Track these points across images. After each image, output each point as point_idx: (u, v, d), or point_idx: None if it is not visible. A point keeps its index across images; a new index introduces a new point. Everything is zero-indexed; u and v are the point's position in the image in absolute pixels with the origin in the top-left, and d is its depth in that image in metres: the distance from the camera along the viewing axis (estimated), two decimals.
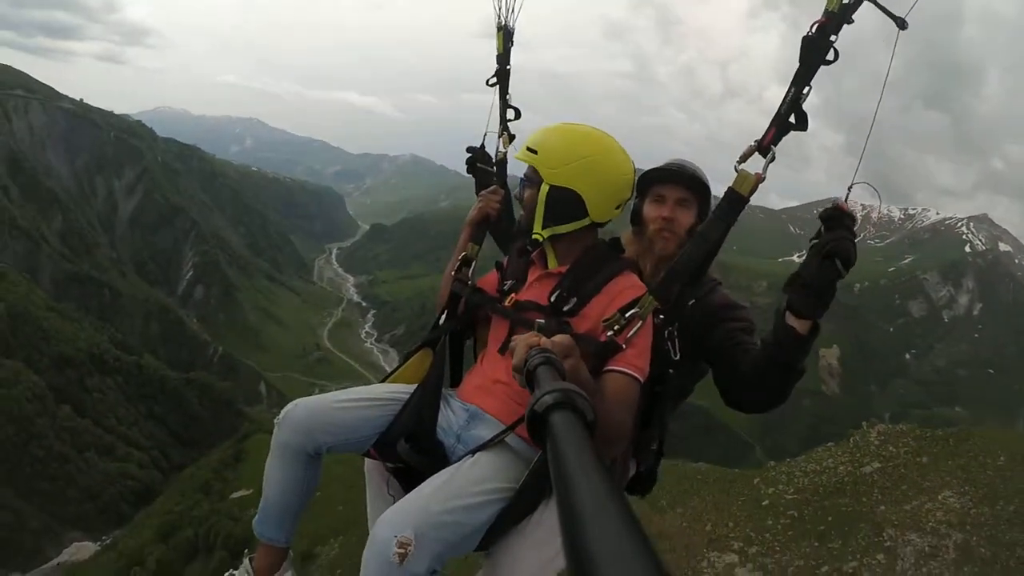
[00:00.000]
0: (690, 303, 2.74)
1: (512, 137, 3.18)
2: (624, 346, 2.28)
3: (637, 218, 2.98)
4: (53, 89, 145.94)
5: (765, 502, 11.30)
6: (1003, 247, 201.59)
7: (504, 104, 3.21)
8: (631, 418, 2.27)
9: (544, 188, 2.48)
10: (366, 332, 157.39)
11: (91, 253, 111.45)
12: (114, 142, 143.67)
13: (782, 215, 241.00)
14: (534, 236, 2.56)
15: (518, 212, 2.97)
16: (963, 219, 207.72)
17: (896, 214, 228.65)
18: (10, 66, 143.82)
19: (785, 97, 2.34)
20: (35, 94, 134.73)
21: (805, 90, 2.30)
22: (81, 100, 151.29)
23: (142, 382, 78.31)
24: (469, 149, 3.26)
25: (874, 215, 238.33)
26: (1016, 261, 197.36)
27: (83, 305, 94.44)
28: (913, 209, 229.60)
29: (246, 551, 2.68)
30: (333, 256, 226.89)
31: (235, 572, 2.61)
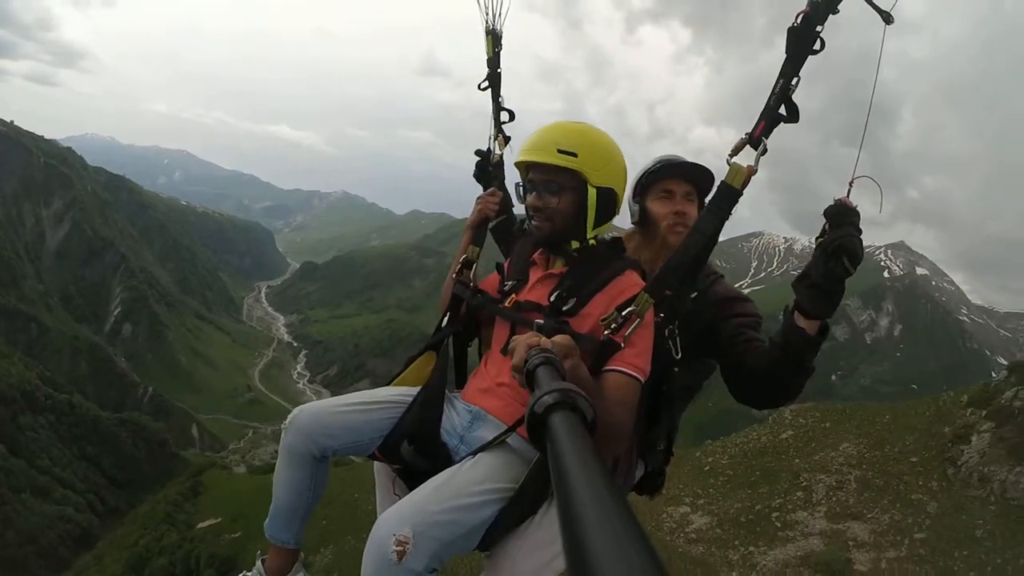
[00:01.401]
0: (691, 296, 2.73)
1: (507, 139, 3.22)
2: (623, 344, 2.28)
3: (644, 218, 2.99)
4: None
5: (706, 467, 14.88)
6: (920, 271, 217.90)
7: (497, 107, 3.26)
8: (631, 418, 2.27)
9: (592, 191, 2.51)
10: (298, 372, 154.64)
11: (18, 284, 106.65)
12: (44, 168, 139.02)
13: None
14: (591, 241, 2.60)
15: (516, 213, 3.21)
16: (881, 247, 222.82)
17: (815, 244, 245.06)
18: None
19: (773, 89, 2.34)
20: None
21: (794, 81, 2.31)
22: (12, 122, 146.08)
23: (74, 421, 75.35)
24: (477, 152, 3.25)
25: (797, 247, 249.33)
26: (933, 283, 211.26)
27: (10, 339, 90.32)
28: None
29: (259, 553, 2.78)
30: (263, 294, 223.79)
31: (248, 574, 2.69)
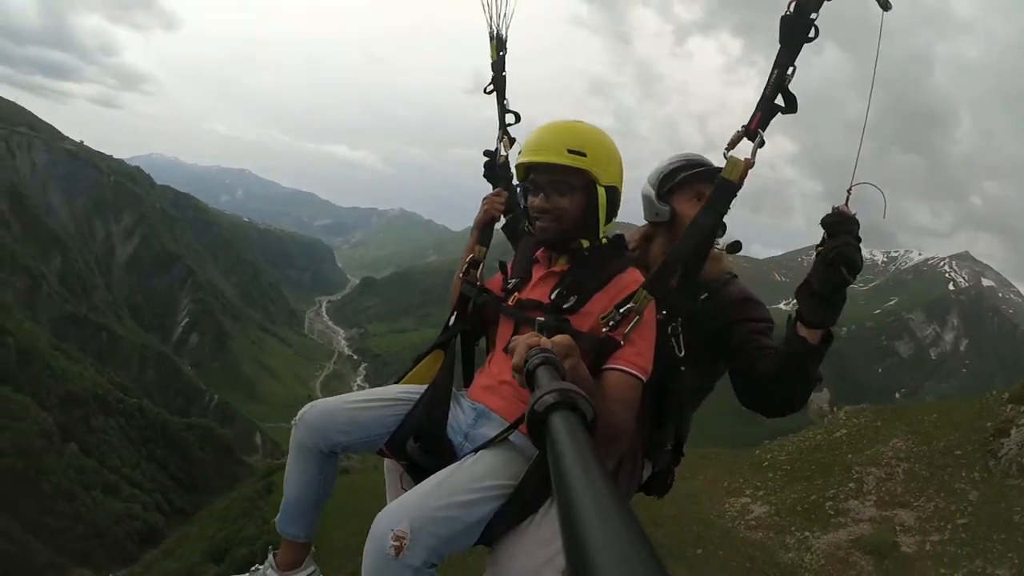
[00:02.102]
0: (703, 297, 2.76)
1: (512, 140, 3.23)
2: (622, 342, 2.27)
3: (674, 219, 2.92)
4: (56, 129, 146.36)
5: (765, 463, 15.53)
6: (986, 282, 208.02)
7: (502, 109, 3.27)
8: (632, 417, 2.25)
9: (602, 191, 2.50)
10: (358, 385, 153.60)
11: (89, 295, 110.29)
12: (113, 186, 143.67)
13: (769, 263, 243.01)
14: (602, 240, 2.58)
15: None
16: (945, 258, 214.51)
17: (879, 257, 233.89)
18: (15, 103, 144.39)
19: (769, 79, 2.31)
20: (39, 133, 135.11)
21: (789, 71, 2.28)
22: (81, 142, 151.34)
23: (144, 425, 76.74)
24: (486, 153, 3.26)
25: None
26: (999, 295, 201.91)
27: (83, 347, 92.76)
28: (895, 251, 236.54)
29: (270, 547, 2.80)
30: (324, 308, 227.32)
31: (260, 567, 2.73)
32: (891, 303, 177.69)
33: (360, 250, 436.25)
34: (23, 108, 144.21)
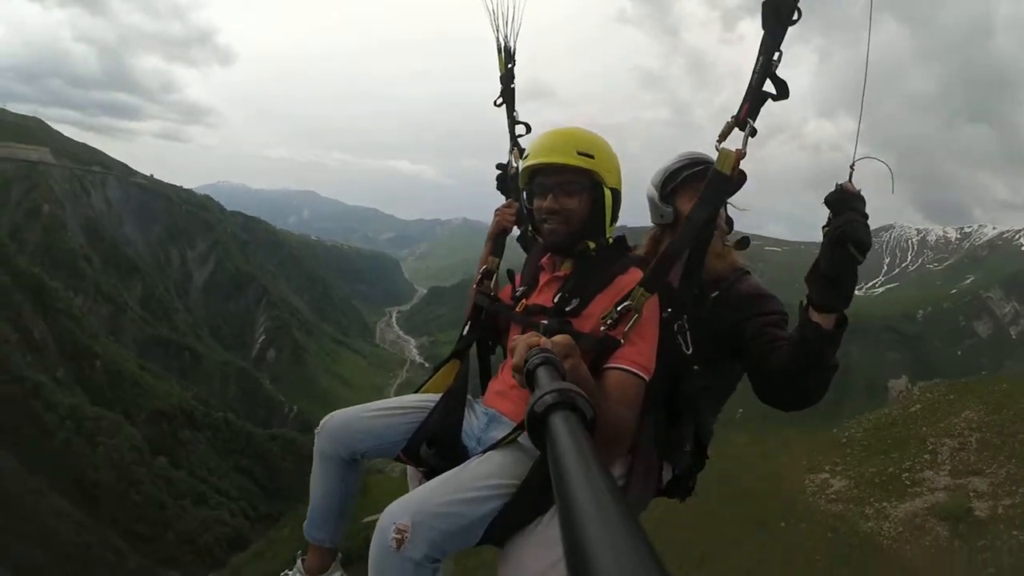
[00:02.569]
0: (713, 295, 2.71)
1: (523, 151, 3.12)
2: (622, 340, 2.25)
3: (673, 217, 2.90)
4: (126, 165, 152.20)
5: (843, 440, 16.75)
6: None
7: (512, 120, 3.31)
8: (633, 416, 2.22)
9: (608, 192, 2.54)
10: None
11: (170, 318, 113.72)
12: (185, 215, 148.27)
13: None
14: (609, 240, 2.61)
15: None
16: (1021, 230, 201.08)
17: (952, 234, 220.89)
18: (86, 144, 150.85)
19: (755, 67, 2.25)
20: (110, 170, 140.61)
21: (775, 56, 2.20)
22: (151, 176, 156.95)
23: (229, 437, 78.97)
24: (498, 166, 3.32)
25: (930, 238, 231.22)
26: None
27: (166, 367, 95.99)
28: (969, 227, 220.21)
29: (299, 553, 2.81)
30: (394, 319, 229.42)
31: (289, 572, 2.72)
32: (967, 282, 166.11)
33: (426, 260, 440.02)
34: (94, 148, 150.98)
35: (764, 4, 2.19)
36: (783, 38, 2.19)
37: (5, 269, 67.30)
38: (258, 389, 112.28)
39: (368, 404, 2.71)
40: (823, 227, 2.22)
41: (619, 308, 2.29)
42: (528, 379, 1.47)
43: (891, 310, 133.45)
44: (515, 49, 3.37)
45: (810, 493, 14.11)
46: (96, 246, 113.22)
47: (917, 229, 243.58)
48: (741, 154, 2.32)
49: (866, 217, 2.16)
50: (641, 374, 2.25)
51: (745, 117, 2.30)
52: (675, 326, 2.46)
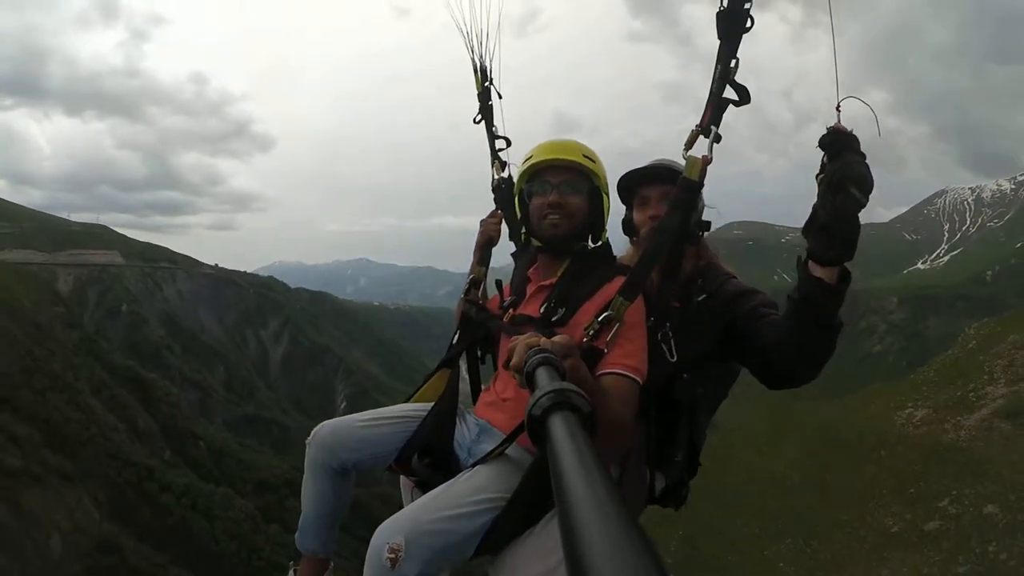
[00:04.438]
0: (701, 299, 2.69)
1: (504, 164, 3.38)
2: (605, 350, 2.27)
3: (630, 228, 2.99)
4: (192, 258, 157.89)
5: (919, 381, 20.11)
6: None
7: (491, 136, 3.42)
8: (632, 416, 2.22)
9: (606, 197, 2.65)
10: None
11: (253, 396, 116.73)
12: (255, 297, 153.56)
13: (895, 224, 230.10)
14: (603, 237, 2.70)
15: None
16: None
17: (1007, 186, 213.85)
18: (151, 243, 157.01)
19: (714, 76, 2.30)
20: (177, 264, 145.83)
21: (732, 63, 2.25)
22: (216, 265, 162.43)
23: None
24: (494, 180, 3.39)
25: (985, 194, 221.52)
26: None
27: (259, 441, 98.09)
28: (1022, 174, 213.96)
29: (291, 563, 2.94)
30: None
31: None
32: None
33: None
34: (158, 245, 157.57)
35: (718, 15, 2.24)
36: (739, 46, 2.25)
37: (102, 365, 70.18)
38: None
39: (360, 414, 2.78)
40: (816, 175, 2.15)
41: (600, 319, 2.30)
42: (528, 380, 1.49)
43: (959, 277, 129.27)
44: (491, 68, 3.47)
45: (899, 425, 17.27)
46: (176, 336, 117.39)
47: (970, 188, 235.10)
48: (708, 160, 2.38)
49: (864, 157, 2.08)
50: (633, 376, 2.25)
51: (708, 124, 2.35)
52: (659, 335, 2.48)
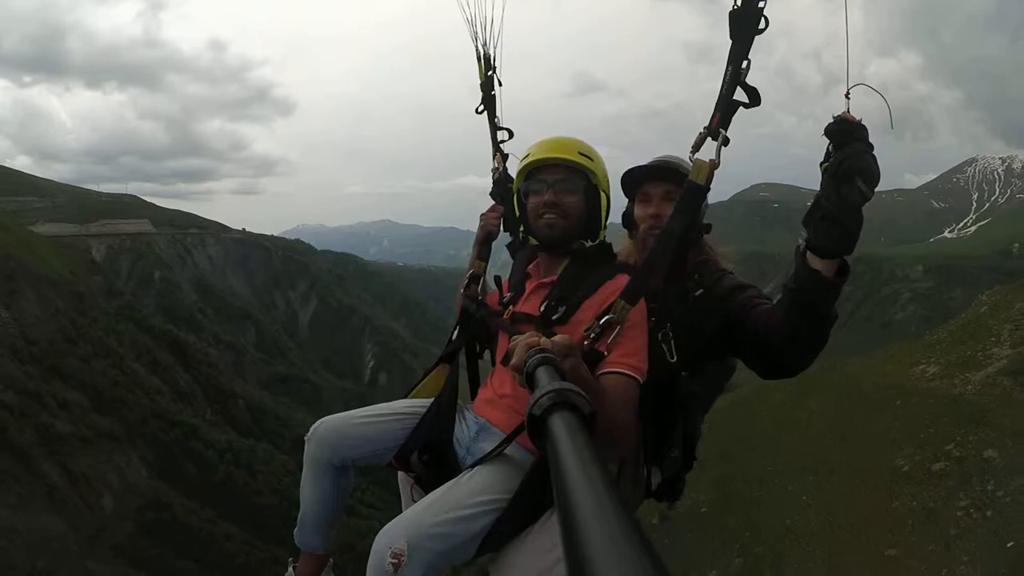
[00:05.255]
0: (697, 293, 2.68)
1: (505, 156, 3.31)
2: (606, 353, 2.24)
3: (630, 222, 2.97)
4: (220, 223, 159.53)
5: (933, 341, 21.98)
6: None
7: (494, 127, 3.35)
8: (633, 416, 2.22)
9: (604, 195, 2.62)
10: None
11: (284, 356, 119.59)
12: (282, 260, 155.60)
13: (923, 192, 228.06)
14: (602, 235, 2.67)
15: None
16: None
17: None
18: (180, 210, 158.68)
19: (724, 77, 2.23)
20: (206, 229, 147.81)
21: (744, 64, 2.19)
22: (244, 229, 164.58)
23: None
24: (495, 172, 3.34)
25: (1016, 165, 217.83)
26: None
27: (293, 399, 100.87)
28: None
29: (290, 559, 2.93)
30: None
31: None
32: None
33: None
34: (187, 212, 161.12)
35: (731, 15, 2.18)
36: (751, 47, 2.18)
37: (142, 331, 72.21)
38: None
39: (359, 410, 2.76)
40: (821, 163, 2.11)
41: (601, 321, 2.27)
42: (528, 380, 1.49)
43: (985, 248, 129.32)
44: (494, 56, 3.39)
45: (913, 379, 18.71)
46: (208, 300, 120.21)
47: (1001, 158, 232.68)
48: (715, 164, 2.31)
49: (872, 148, 2.03)
50: (633, 375, 2.23)
51: (717, 127, 2.28)
52: (659, 335, 2.47)
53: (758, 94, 2.23)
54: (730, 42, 2.20)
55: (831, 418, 19.80)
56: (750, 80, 2.23)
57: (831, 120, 2.09)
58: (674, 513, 19.10)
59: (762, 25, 2.15)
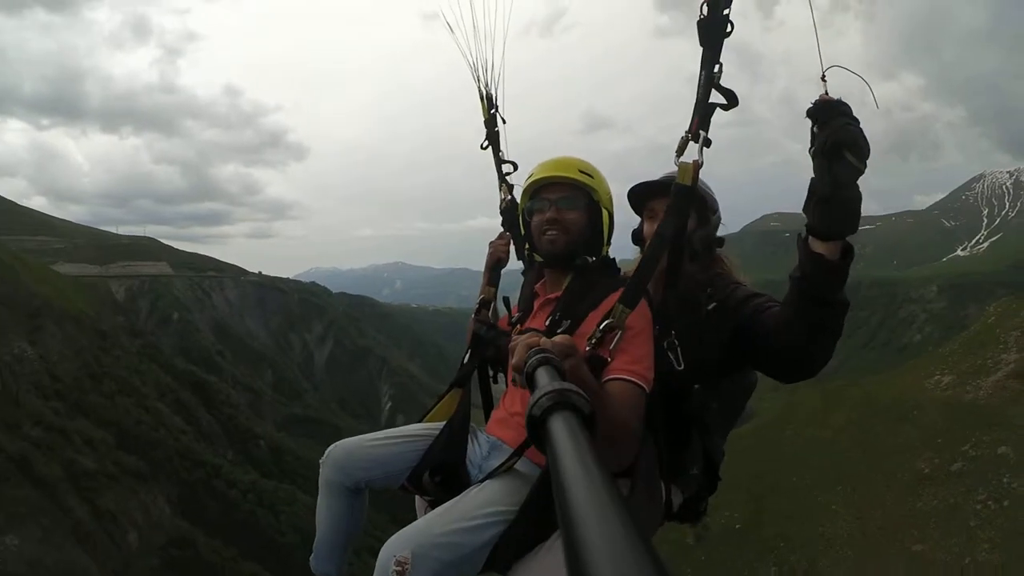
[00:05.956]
0: (711, 307, 2.67)
1: (511, 187, 3.40)
2: (609, 359, 2.23)
3: (639, 239, 3.02)
4: (237, 266, 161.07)
5: (946, 353, 24.25)
6: None
7: (498, 160, 3.44)
8: (637, 420, 2.18)
9: (605, 212, 2.65)
10: None
11: (301, 397, 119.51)
12: (299, 303, 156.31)
13: (933, 211, 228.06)
14: (606, 256, 2.70)
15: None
16: None
17: None
18: (200, 252, 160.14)
19: (699, 82, 2.29)
20: (224, 272, 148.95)
21: (716, 68, 2.24)
22: (260, 272, 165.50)
23: (388, 497, 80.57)
24: (503, 202, 3.42)
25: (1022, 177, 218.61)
26: None
27: (309, 441, 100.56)
28: None
29: None
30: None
31: None
32: None
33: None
34: (205, 256, 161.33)
35: (698, 24, 2.22)
36: (720, 51, 2.23)
37: (164, 370, 72.59)
38: None
39: (373, 433, 2.78)
40: (810, 148, 2.07)
41: (602, 327, 2.27)
42: (528, 380, 1.48)
43: (999, 264, 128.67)
44: (496, 96, 3.46)
45: (929, 389, 20.65)
46: (226, 342, 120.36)
47: (1009, 172, 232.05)
48: (699, 165, 2.34)
49: (857, 121, 2.01)
50: (637, 381, 2.20)
51: (697, 129, 2.32)
52: (664, 343, 2.44)
53: (734, 95, 2.28)
54: (701, 49, 2.26)
55: (854, 432, 21.61)
56: (726, 84, 2.29)
57: (809, 105, 2.07)
58: (709, 532, 19.71)
59: (728, 29, 2.21)
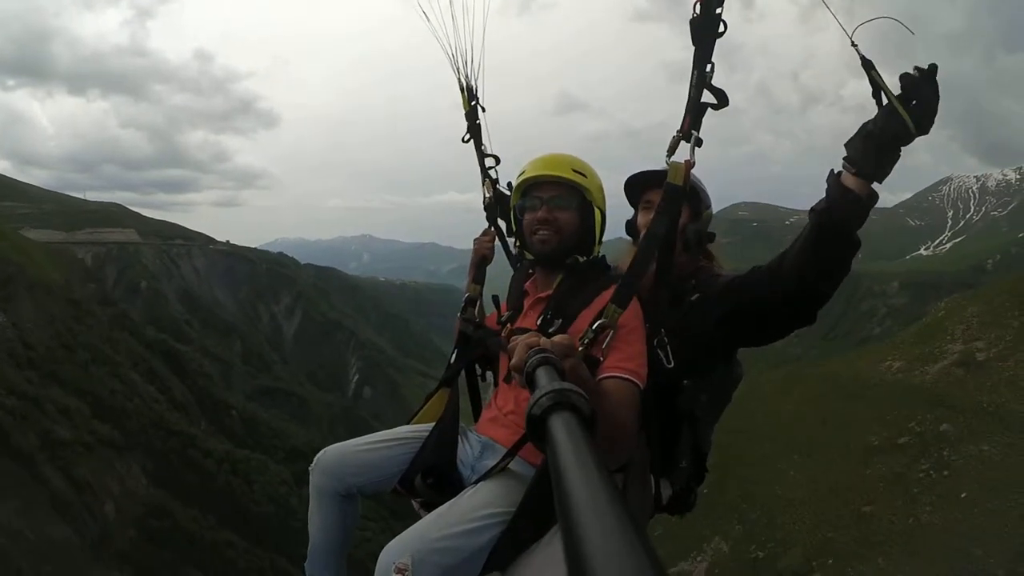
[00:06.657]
0: (694, 298, 2.65)
1: (496, 181, 3.38)
2: (601, 359, 2.25)
3: (633, 230, 2.97)
4: (205, 235, 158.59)
5: (899, 341, 27.46)
6: None
7: (481, 154, 3.41)
8: (634, 418, 2.21)
9: (598, 211, 2.64)
10: None
11: (270, 369, 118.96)
12: (266, 273, 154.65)
13: (898, 210, 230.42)
14: (597, 256, 2.70)
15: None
16: None
17: (1012, 176, 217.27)
18: (166, 220, 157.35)
19: (691, 82, 2.30)
20: (192, 241, 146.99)
21: (708, 68, 2.25)
22: (227, 241, 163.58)
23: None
24: (486, 198, 3.41)
25: (990, 184, 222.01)
26: None
27: (279, 413, 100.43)
28: None
29: None
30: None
31: None
32: None
33: (492, 285, 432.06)
34: (173, 223, 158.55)
35: (691, 23, 2.23)
36: (712, 51, 2.23)
37: (136, 339, 72.15)
38: (363, 425, 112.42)
39: (362, 437, 2.76)
40: (896, 96, 2.00)
41: (594, 327, 2.26)
42: (528, 380, 1.49)
43: (961, 265, 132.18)
44: (477, 88, 3.42)
45: (882, 372, 22.66)
46: (195, 312, 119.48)
47: (976, 177, 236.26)
48: (691, 164, 2.35)
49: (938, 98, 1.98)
50: (632, 379, 2.22)
51: (688, 129, 2.32)
52: (654, 341, 2.44)
53: (725, 95, 2.32)
54: (693, 48, 2.29)
55: (813, 407, 23.85)
56: (717, 84, 2.35)
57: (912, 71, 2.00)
58: None
59: (721, 29, 2.24)
